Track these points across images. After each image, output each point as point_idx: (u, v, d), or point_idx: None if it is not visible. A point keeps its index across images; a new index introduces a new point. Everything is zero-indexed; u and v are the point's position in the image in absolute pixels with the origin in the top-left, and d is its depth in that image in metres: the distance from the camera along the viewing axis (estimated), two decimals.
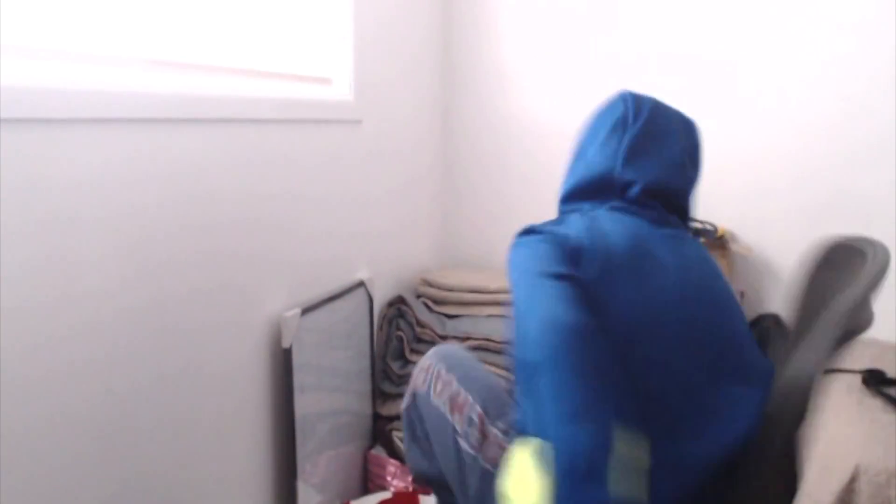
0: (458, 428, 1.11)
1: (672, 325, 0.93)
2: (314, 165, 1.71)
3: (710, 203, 2.00)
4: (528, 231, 1.01)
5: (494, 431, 1.07)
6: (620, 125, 1.11)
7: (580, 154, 1.17)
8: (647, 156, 1.09)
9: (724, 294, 1.03)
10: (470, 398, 1.12)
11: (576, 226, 0.99)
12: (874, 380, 1.50)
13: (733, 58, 2.01)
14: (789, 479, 0.86)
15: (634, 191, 1.06)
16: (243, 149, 1.45)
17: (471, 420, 1.10)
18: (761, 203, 2.01)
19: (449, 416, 1.13)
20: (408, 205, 2.23)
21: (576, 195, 1.13)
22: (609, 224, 1.00)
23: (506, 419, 1.08)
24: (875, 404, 1.43)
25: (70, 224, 1.08)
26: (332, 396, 1.74)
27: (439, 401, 1.16)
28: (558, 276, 0.86)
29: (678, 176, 1.11)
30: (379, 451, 1.89)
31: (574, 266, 0.91)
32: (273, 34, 1.66)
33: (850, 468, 1.25)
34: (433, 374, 1.21)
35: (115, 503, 1.19)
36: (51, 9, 1.12)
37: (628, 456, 0.75)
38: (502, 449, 1.04)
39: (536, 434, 0.79)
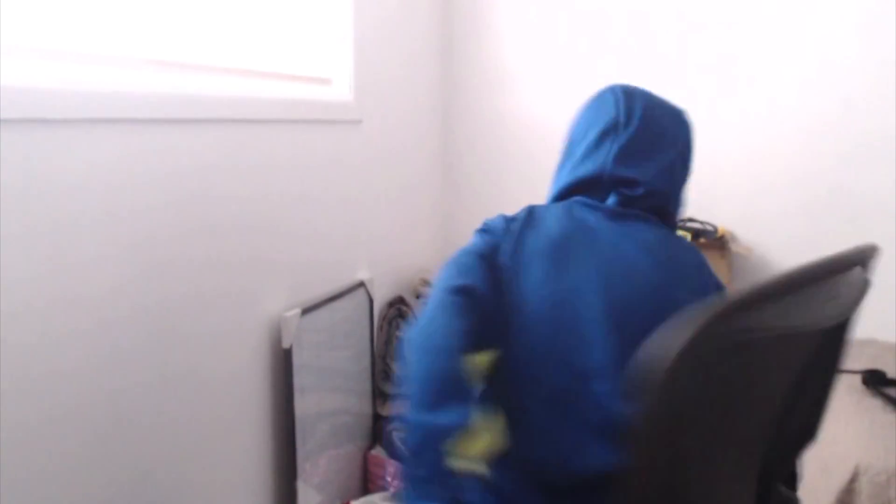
0: None
1: (571, 322, 0.92)
2: (314, 166, 1.71)
3: (710, 203, 1.99)
4: (480, 229, 1.07)
5: None
6: (612, 129, 1.06)
7: (569, 153, 1.14)
8: (637, 161, 1.05)
9: (680, 306, 0.78)
10: None
11: (501, 219, 1.07)
12: (874, 380, 1.50)
13: (732, 58, 2.01)
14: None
15: (628, 193, 1.04)
16: (243, 149, 1.45)
17: None
18: (761, 203, 2.01)
19: None
20: (408, 205, 2.23)
21: (565, 196, 1.11)
22: (550, 216, 1.04)
23: None
24: (875, 404, 1.43)
25: (70, 224, 1.08)
26: (332, 396, 1.74)
27: None
28: (456, 291, 0.95)
29: (667, 181, 1.07)
30: (379, 452, 1.89)
31: (492, 257, 1.00)
32: (273, 34, 1.66)
33: (850, 468, 1.25)
34: None
35: (116, 503, 1.19)
36: (51, 9, 1.12)
37: (478, 431, 0.79)
38: None
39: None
